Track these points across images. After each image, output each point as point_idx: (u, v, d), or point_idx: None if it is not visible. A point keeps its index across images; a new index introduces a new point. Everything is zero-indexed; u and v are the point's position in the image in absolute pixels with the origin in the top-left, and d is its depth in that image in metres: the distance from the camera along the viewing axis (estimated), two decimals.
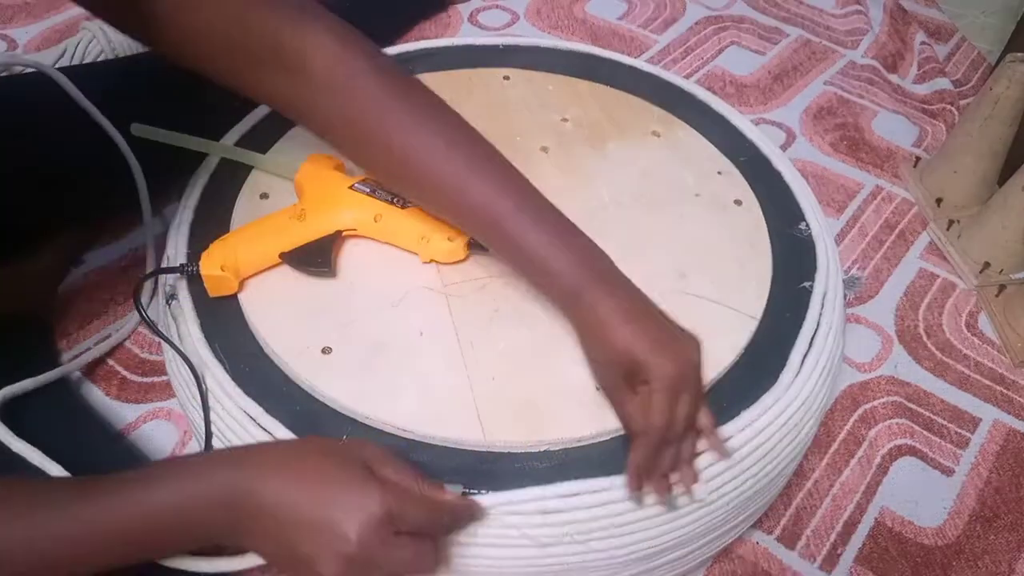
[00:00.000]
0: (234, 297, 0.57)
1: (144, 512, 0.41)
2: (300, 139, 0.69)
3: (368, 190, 0.59)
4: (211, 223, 0.62)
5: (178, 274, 0.58)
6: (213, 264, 0.55)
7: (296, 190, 0.62)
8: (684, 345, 0.48)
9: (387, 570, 0.42)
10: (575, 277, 0.48)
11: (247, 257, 0.57)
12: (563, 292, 0.49)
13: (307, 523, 0.41)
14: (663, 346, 0.46)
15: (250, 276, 0.58)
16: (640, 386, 0.47)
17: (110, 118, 0.75)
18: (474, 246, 0.59)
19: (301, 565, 0.42)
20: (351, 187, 0.59)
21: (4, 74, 0.88)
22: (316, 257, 0.57)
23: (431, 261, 0.59)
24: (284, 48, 0.49)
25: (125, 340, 0.76)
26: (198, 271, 0.55)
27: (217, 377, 0.53)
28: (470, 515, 0.47)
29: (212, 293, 0.56)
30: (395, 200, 0.59)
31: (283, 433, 0.50)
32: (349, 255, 0.60)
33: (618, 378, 0.48)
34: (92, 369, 0.73)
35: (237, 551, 0.45)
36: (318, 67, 0.49)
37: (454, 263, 0.59)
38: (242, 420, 0.52)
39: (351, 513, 0.41)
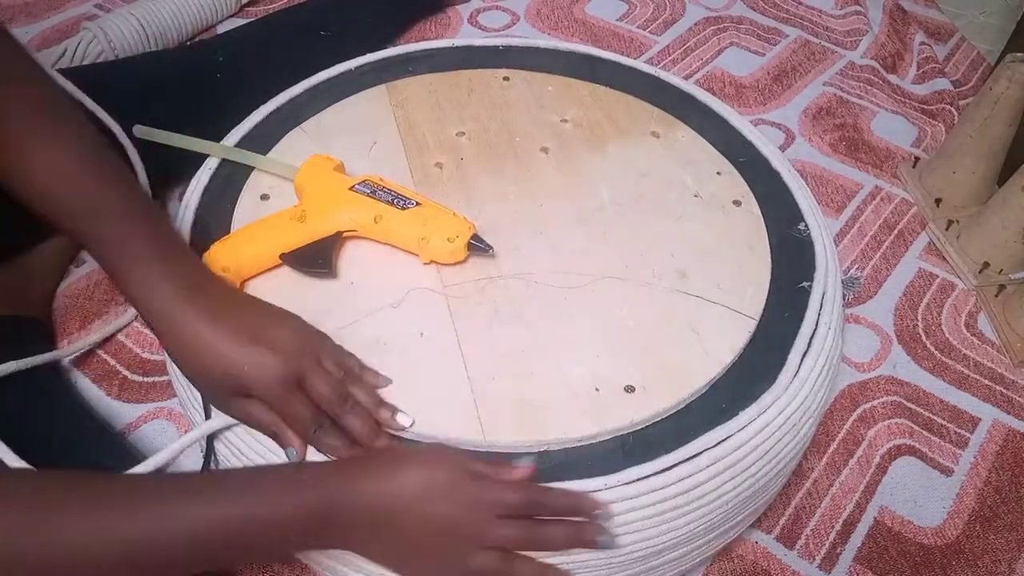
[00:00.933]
0: None
1: (247, 516, 0.41)
2: (300, 140, 0.69)
3: (368, 191, 0.59)
4: (212, 224, 0.62)
5: None
6: (215, 265, 0.55)
7: (296, 191, 0.63)
8: (276, 339, 0.48)
9: (498, 545, 0.45)
10: (165, 287, 0.47)
11: (248, 258, 0.57)
12: (151, 302, 0.48)
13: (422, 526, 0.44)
14: (257, 356, 0.46)
15: (251, 277, 0.58)
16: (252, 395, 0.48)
17: (111, 118, 0.75)
18: (473, 247, 0.59)
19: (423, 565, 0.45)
20: (351, 188, 0.60)
21: None
22: (316, 258, 0.57)
23: (431, 262, 0.59)
24: None
25: (117, 333, 0.76)
26: None
27: None
28: (555, 496, 0.47)
29: None
30: (395, 201, 0.59)
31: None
32: (350, 256, 0.60)
33: (225, 392, 0.48)
34: (93, 369, 0.74)
35: None
36: None
37: (454, 264, 0.59)
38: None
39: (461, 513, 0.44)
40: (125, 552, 0.39)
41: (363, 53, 0.79)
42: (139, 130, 0.67)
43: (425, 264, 0.59)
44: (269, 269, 0.58)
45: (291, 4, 1.13)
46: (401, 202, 0.59)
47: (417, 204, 0.59)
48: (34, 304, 0.75)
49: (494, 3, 1.19)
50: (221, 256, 0.56)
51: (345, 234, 0.59)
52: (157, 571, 0.41)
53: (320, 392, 0.48)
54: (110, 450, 0.66)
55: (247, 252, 0.57)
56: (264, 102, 0.73)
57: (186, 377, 0.50)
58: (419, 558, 0.45)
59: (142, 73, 0.84)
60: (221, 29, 1.10)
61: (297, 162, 0.62)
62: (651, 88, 0.77)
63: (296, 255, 0.57)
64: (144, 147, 0.73)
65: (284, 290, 0.58)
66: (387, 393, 0.52)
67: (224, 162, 0.68)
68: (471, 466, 0.46)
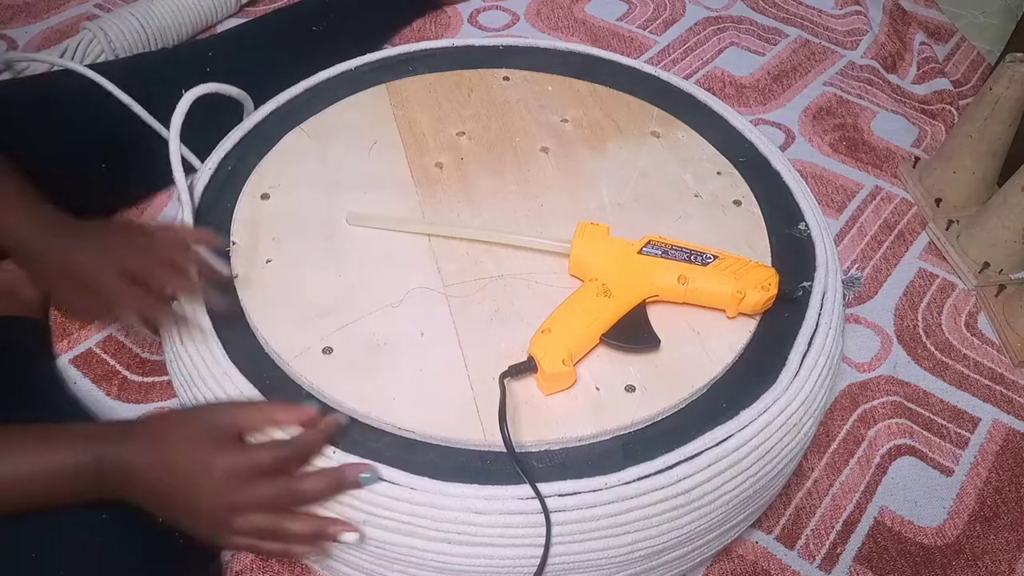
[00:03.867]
0: (236, 297, 0.57)
1: (11, 476, 0.47)
2: (301, 140, 0.69)
3: (659, 252, 0.57)
4: (212, 223, 0.62)
5: None
6: (555, 361, 0.52)
7: (573, 265, 0.59)
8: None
9: (256, 506, 0.47)
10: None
11: (578, 346, 0.54)
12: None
13: (173, 486, 0.47)
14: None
15: (580, 360, 0.54)
16: None
17: (110, 115, 0.75)
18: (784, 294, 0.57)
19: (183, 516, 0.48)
20: (640, 251, 0.57)
21: (6, 75, 0.89)
22: (638, 333, 0.55)
23: (738, 315, 0.57)
24: None
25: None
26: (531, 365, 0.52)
27: (218, 377, 0.53)
28: (326, 429, 0.49)
29: (549, 391, 0.53)
30: (692, 258, 0.57)
31: (280, 434, 0.51)
32: (349, 255, 0.60)
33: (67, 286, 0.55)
34: (93, 369, 0.73)
35: None
36: None
37: (456, 264, 0.59)
38: None
39: (203, 478, 0.46)
40: None
41: (357, 52, 0.79)
42: (351, 218, 0.63)
43: (731, 318, 0.57)
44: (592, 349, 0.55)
45: (288, 3, 1.13)
46: (698, 258, 0.57)
47: (714, 257, 0.57)
48: (31, 305, 0.75)
49: (494, 3, 1.19)
50: (558, 350, 0.52)
51: (648, 300, 0.56)
52: None
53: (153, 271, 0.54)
54: None
55: (576, 341, 0.53)
56: (255, 98, 0.73)
57: (41, 289, 0.57)
58: (196, 520, 0.48)
59: (144, 72, 0.84)
60: (220, 29, 1.10)
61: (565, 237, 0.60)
62: (651, 88, 0.77)
63: (617, 334, 0.54)
64: (146, 142, 0.73)
65: (285, 289, 0.58)
66: (390, 391, 0.52)
67: (223, 161, 0.68)
68: (229, 425, 0.48)
